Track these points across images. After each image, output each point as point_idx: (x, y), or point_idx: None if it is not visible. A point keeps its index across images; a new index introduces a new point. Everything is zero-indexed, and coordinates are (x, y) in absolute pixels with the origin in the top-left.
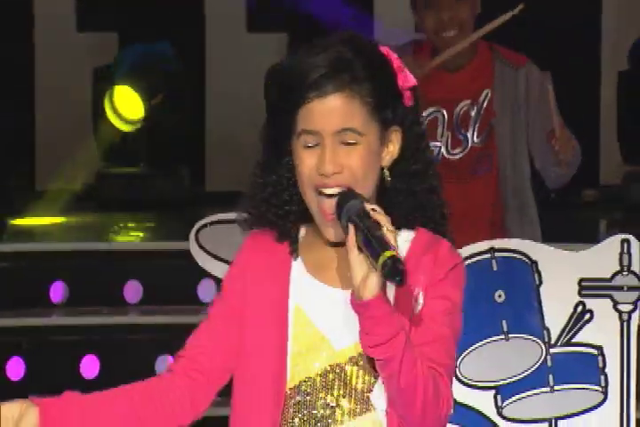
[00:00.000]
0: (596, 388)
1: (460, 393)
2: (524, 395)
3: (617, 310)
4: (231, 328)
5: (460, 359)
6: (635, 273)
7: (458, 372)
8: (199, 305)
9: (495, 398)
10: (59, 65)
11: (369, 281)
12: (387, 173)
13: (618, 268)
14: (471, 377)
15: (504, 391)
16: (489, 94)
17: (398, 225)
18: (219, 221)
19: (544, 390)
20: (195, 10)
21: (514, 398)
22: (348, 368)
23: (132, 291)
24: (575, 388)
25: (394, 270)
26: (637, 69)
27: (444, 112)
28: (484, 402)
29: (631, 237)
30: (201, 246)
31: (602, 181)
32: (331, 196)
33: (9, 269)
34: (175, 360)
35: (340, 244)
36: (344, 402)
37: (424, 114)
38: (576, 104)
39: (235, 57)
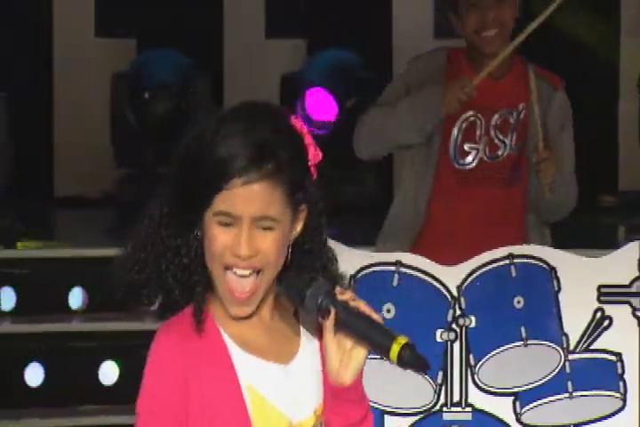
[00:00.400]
0: (615, 394)
1: (479, 399)
2: (542, 401)
3: (636, 316)
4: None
5: (478, 366)
6: (634, 277)
7: (476, 378)
8: None
9: (514, 404)
10: (77, 70)
11: (352, 364)
12: (289, 249)
13: (637, 274)
14: (490, 383)
15: (523, 398)
16: (525, 109)
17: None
18: None
19: (563, 396)
20: (213, 16)
21: (533, 405)
22: None
23: None
24: (594, 394)
25: (416, 359)
26: None
27: (482, 118)
28: (502, 408)
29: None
30: None
31: (620, 186)
32: (242, 276)
33: (28, 275)
34: None
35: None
36: None
37: (462, 117)
38: (595, 109)
39: (252, 63)
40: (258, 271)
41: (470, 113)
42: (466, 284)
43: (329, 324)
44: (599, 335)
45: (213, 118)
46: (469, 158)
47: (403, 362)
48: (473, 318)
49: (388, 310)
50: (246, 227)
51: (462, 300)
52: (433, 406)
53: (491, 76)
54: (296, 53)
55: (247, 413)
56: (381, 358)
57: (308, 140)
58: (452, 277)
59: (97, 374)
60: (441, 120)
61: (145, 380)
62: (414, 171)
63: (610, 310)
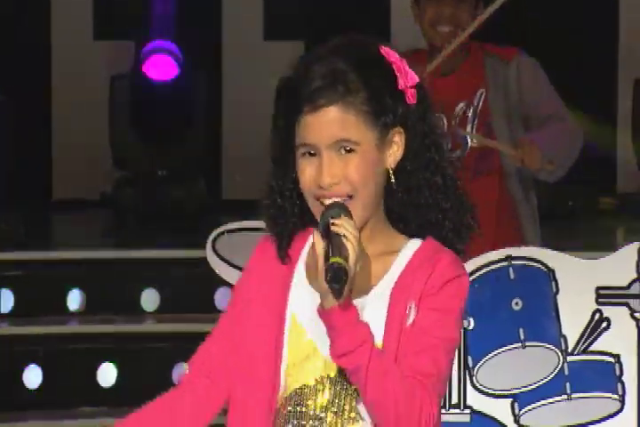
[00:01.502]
0: (614, 396)
1: (477, 401)
2: (541, 403)
3: (634, 318)
4: (236, 332)
5: (476, 367)
6: (632, 279)
7: (475, 380)
8: (216, 313)
9: (512, 406)
10: (75, 72)
11: (326, 292)
12: (392, 175)
13: (635, 275)
14: (488, 385)
15: (521, 399)
16: (483, 94)
17: (409, 234)
18: (235, 230)
19: (561, 398)
20: (212, 17)
21: (531, 407)
22: (339, 379)
23: (149, 299)
24: (592, 396)
25: (334, 276)
26: None
27: (443, 116)
28: (501, 410)
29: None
30: (217, 254)
31: (619, 189)
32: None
33: (26, 277)
34: (189, 367)
35: None
36: (334, 413)
37: None
38: (593, 113)
39: (251, 65)
40: (349, 198)
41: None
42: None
43: (317, 250)
44: (597, 337)
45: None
46: None
47: (325, 278)
48: (471, 320)
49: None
50: (325, 155)
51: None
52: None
53: (444, 72)
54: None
55: (283, 340)
56: None
57: (398, 65)
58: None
59: (95, 376)
60: None
61: None
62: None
63: (608, 311)
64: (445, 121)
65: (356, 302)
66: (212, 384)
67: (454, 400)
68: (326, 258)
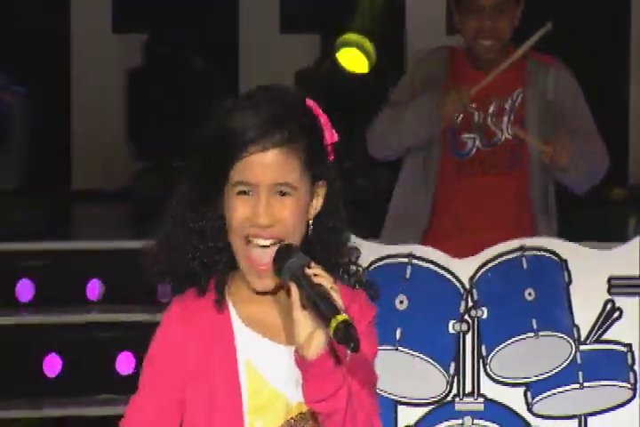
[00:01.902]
0: (626, 385)
1: (491, 390)
2: (553, 392)
3: None
4: (176, 402)
5: (490, 356)
6: None
7: (489, 369)
8: None
9: (525, 394)
10: (94, 65)
11: (315, 340)
12: (310, 226)
13: None
14: (501, 374)
15: (534, 388)
16: (521, 94)
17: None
18: None
19: (574, 386)
20: (228, 10)
21: (544, 395)
22: (304, 423)
23: (164, 289)
24: (604, 385)
25: (348, 336)
26: None
27: (478, 109)
28: (514, 399)
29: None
30: None
31: (631, 180)
32: (263, 247)
33: (46, 268)
34: None
35: (267, 293)
36: None
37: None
38: (605, 104)
39: (268, 58)
40: (279, 242)
41: (468, 105)
42: (478, 276)
43: (294, 299)
44: (609, 327)
45: (229, 100)
46: (467, 148)
47: (337, 337)
48: (485, 310)
49: (402, 302)
50: (264, 195)
51: (474, 291)
52: (445, 397)
53: (484, 70)
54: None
55: (239, 386)
56: (394, 349)
57: (324, 120)
58: (464, 269)
59: (114, 364)
60: (442, 128)
61: (150, 345)
62: (419, 165)
63: (620, 301)
64: (482, 114)
65: (287, 349)
66: None
67: (468, 389)
68: (322, 314)
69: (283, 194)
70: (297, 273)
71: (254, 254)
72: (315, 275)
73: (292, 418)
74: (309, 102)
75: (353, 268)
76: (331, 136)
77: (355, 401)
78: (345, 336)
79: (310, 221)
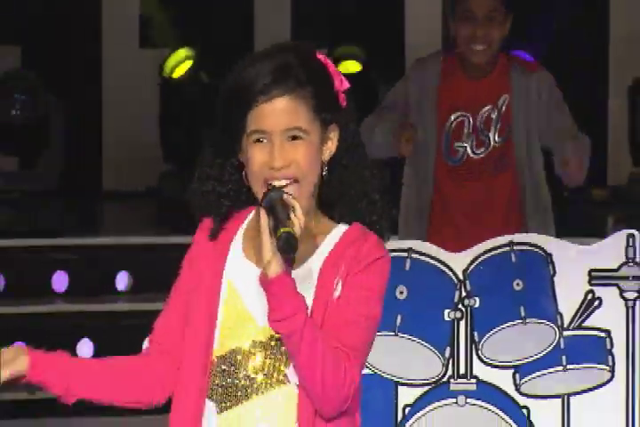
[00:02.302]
0: (605, 367)
1: (482, 372)
2: (539, 373)
3: (623, 297)
4: (185, 302)
5: (482, 342)
6: (639, 264)
7: (480, 353)
8: None
9: (514, 376)
10: (124, 72)
11: (274, 260)
12: (325, 167)
13: (624, 259)
14: (492, 357)
15: (522, 370)
16: (507, 99)
17: (337, 220)
18: None
19: (558, 369)
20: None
21: (531, 377)
22: (271, 344)
23: None
24: (586, 367)
25: (287, 245)
26: None
27: (470, 116)
28: (503, 380)
29: (636, 232)
30: None
31: (609, 181)
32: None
33: (79, 261)
34: (149, 344)
35: None
36: (264, 374)
37: (452, 118)
38: (584, 109)
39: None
40: (294, 182)
41: (458, 113)
42: (471, 268)
43: (262, 223)
44: (590, 314)
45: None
46: (459, 155)
47: (278, 246)
48: (477, 299)
49: (402, 292)
50: (277, 140)
51: (467, 283)
52: (441, 378)
53: (472, 79)
54: None
55: (217, 303)
56: (394, 335)
57: (333, 69)
58: (458, 262)
59: (141, 349)
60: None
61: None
62: (415, 170)
63: (599, 291)
64: (471, 121)
65: None
66: (171, 361)
67: (462, 371)
68: (275, 230)
69: (295, 138)
70: (269, 202)
71: None
72: (284, 198)
73: (260, 340)
74: (319, 55)
75: (372, 207)
76: (340, 83)
77: (320, 333)
78: (284, 245)
79: (325, 164)
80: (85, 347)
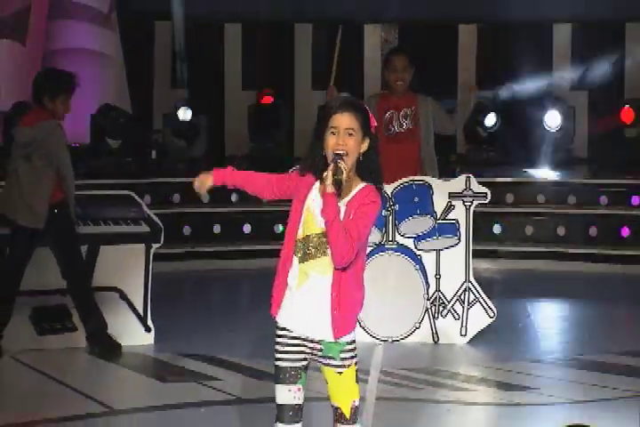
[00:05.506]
0: (455, 237)
1: (399, 239)
2: (426, 240)
3: (464, 204)
4: (291, 184)
5: (399, 225)
6: (472, 190)
7: (398, 230)
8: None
9: (414, 241)
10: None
11: (329, 188)
12: (361, 155)
13: (464, 187)
14: (404, 232)
15: (418, 238)
16: (415, 105)
17: (363, 178)
18: None
19: (434, 238)
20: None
21: (422, 241)
22: (322, 235)
23: None
24: (447, 237)
25: (337, 184)
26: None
27: (396, 113)
28: (409, 243)
29: (469, 175)
30: None
31: (458, 149)
32: (338, 155)
33: None
34: (269, 179)
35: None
36: (315, 248)
37: (387, 114)
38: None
39: None
40: (346, 154)
41: (390, 111)
42: (395, 191)
43: (329, 170)
44: (449, 212)
45: None
46: (390, 130)
47: (333, 182)
48: (397, 206)
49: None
50: (342, 133)
51: (393, 199)
52: (381, 242)
53: (400, 94)
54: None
55: (303, 208)
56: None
57: (371, 115)
58: (389, 188)
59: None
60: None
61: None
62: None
63: (453, 202)
64: (396, 115)
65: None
66: (274, 189)
67: (390, 239)
68: (333, 175)
69: (350, 134)
70: (335, 161)
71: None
72: (341, 160)
73: (317, 233)
74: (365, 107)
75: (374, 175)
76: (373, 121)
77: (341, 224)
78: (336, 184)
79: (360, 154)
80: None
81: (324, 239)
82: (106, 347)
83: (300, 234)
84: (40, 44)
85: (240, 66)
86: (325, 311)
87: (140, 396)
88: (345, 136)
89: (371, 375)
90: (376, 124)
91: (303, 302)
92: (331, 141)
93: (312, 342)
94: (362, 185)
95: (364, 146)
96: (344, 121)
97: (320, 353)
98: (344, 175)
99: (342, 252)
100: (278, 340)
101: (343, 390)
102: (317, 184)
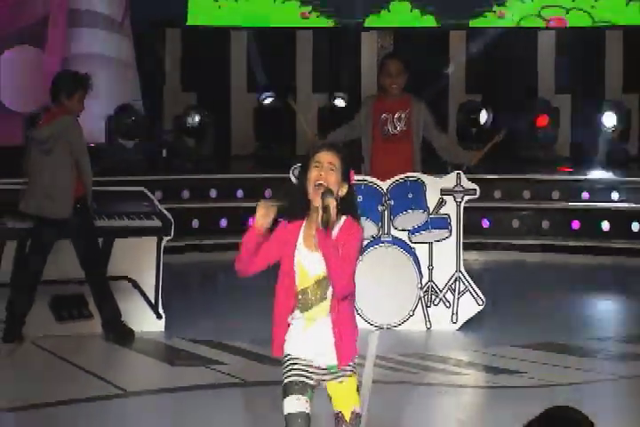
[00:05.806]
0: (447, 231)
1: (394, 232)
2: (419, 233)
3: (455, 200)
4: (276, 247)
5: (394, 219)
6: (462, 186)
7: (393, 224)
8: None
9: (408, 234)
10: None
11: (321, 225)
12: (338, 196)
13: (455, 184)
14: (399, 226)
15: (412, 232)
16: (409, 109)
17: (343, 213)
18: None
19: (427, 231)
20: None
21: (416, 234)
22: (316, 283)
23: None
24: (440, 231)
25: (326, 223)
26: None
27: (391, 115)
28: (403, 236)
29: (460, 173)
30: None
31: None
32: (320, 184)
33: None
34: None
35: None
36: (314, 296)
37: (382, 116)
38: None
39: None
40: (328, 188)
41: (385, 114)
42: (390, 187)
43: (321, 205)
44: (441, 207)
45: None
46: (385, 131)
47: (321, 220)
48: (393, 201)
49: (360, 198)
50: (325, 167)
51: (388, 195)
52: (377, 235)
53: (395, 97)
54: None
55: (294, 269)
56: (365, 218)
57: (351, 172)
58: (384, 185)
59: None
60: None
61: (274, 231)
62: (366, 139)
63: (445, 198)
64: (391, 117)
65: (313, 253)
66: (261, 264)
67: (386, 232)
68: (324, 210)
69: (331, 169)
70: (325, 198)
71: (317, 194)
72: (329, 200)
73: (312, 283)
74: (348, 157)
75: (353, 211)
76: (352, 176)
77: (340, 255)
78: (323, 222)
79: (337, 194)
80: None
81: (318, 286)
82: (120, 333)
83: (298, 286)
84: (59, 51)
85: (245, 69)
86: (330, 344)
87: (151, 379)
88: (327, 170)
89: (367, 360)
90: (354, 180)
91: (311, 338)
92: (313, 173)
93: (319, 368)
94: (343, 218)
95: (343, 190)
96: (327, 157)
97: (323, 372)
98: (333, 214)
99: (345, 281)
100: (287, 363)
101: (344, 397)
102: (302, 229)
